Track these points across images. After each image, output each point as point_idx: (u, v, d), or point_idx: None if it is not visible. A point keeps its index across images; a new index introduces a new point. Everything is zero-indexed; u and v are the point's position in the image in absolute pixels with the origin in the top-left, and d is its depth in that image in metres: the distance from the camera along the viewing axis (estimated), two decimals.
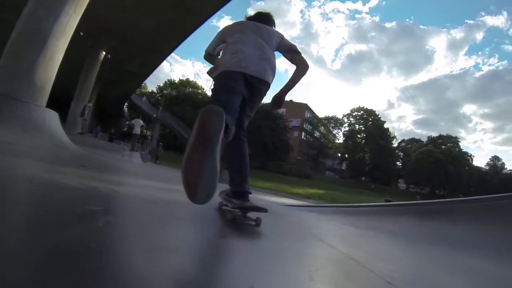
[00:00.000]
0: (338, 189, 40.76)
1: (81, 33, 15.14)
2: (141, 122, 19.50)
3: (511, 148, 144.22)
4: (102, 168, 5.09)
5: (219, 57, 3.04)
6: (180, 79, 74.94)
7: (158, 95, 66.66)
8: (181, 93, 67.21)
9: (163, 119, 50.23)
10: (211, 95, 2.71)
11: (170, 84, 71.11)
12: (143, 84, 60.20)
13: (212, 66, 2.91)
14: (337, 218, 4.60)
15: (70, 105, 21.91)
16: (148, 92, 67.59)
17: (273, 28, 3.15)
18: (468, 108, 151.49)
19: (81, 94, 22.24)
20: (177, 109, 57.73)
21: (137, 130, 18.93)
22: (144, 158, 18.29)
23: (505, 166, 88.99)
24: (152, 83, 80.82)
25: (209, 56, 3.08)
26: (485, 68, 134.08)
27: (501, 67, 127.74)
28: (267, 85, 2.80)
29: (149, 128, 49.05)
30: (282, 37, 3.02)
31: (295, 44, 3.00)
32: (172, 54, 26.21)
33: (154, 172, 8.42)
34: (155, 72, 29.20)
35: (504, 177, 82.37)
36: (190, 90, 71.76)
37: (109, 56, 23.63)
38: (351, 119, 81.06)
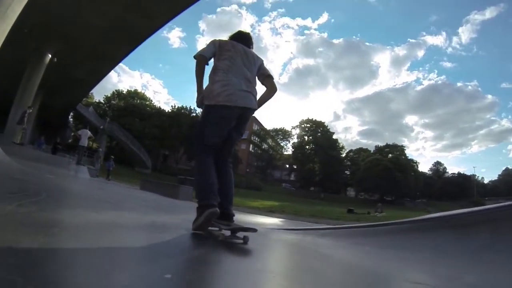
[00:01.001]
0: (291, 200, 40.75)
1: (26, 30, 13.69)
2: (89, 133, 17.85)
3: (450, 154, 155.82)
4: (38, 192, 3.19)
5: (212, 82, 3.16)
6: (128, 90, 72.67)
7: (105, 105, 63.78)
8: (129, 104, 64.86)
9: (110, 131, 48.11)
10: (201, 124, 3.19)
11: (118, 94, 68.38)
12: (90, 94, 57.61)
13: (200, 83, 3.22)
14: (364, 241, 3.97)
15: (10, 112, 19.74)
16: (95, 102, 64.40)
17: (252, 48, 3.49)
18: (410, 119, 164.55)
19: (22, 100, 20.01)
20: (125, 120, 55.65)
21: (84, 142, 17.25)
22: (92, 173, 16.81)
23: (447, 170, 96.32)
24: (99, 94, 77.35)
25: (204, 61, 3.21)
26: (425, 82, 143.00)
27: (439, 82, 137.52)
28: (253, 111, 3.23)
29: (95, 140, 46.53)
30: (262, 62, 3.45)
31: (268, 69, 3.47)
32: (121, 64, 24.98)
33: (111, 193, 6.88)
34: (102, 82, 27.69)
35: (446, 180, 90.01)
36: (138, 101, 69.61)
37: (55, 59, 21.48)
38: (300, 130, 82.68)
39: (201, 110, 3.28)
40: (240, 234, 2.86)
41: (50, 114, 35.67)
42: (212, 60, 3.26)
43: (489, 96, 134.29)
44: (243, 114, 3.14)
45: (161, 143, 60.83)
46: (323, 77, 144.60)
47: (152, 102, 74.64)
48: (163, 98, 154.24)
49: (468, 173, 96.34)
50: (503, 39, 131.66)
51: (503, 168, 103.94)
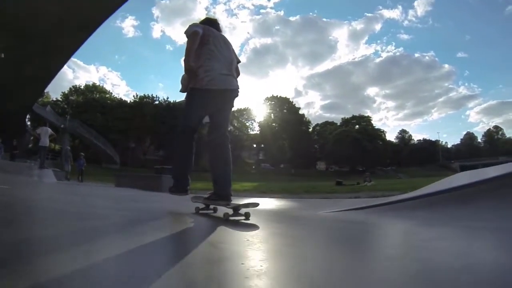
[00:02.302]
0: (265, 179, 40.27)
1: None
2: (50, 131, 15.37)
3: (412, 122, 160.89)
4: None
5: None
6: (86, 84, 69.36)
7: (63, 103, 60.50)
8: (88, 99, 61.93)
9: (72, 129, 45.87)
10: (186, 106, 3.36)
11: (76, 90, 65.05)
12: (45, 93, 54.53)
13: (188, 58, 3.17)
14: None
15: None
16: (52, 101, 60.94)
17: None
18: (372, 90, 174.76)
19: None
20: (86, 116, 53.00)
21: (45, 142, 14.81)
22: (59, 176, 15.28)
23: (412, 138, 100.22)
24: (55, 92, 73.71)
25: (197, 37, 3.23)
26: (384, 55, 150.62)
27: (397, 53, 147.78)
28: (235, 91, 3.44)
29: (57, 140, 43.94)
30: (232, 47, 3.63)
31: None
32: (75, 59, 23.12)
33: (83, 199, 5.12)
34: (57, 79, 25.64)
35: (413, 147, 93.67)
36: (98, 95, 66.52)
37: (2, 55, 19.26)
38: (266, 108, 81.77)
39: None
40: (242, 211, 3.06)
41: (5, 119, 32.92)
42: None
43: (446, 66, 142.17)
44: (227, 94, 3.35)
45: (126, 135, 58.67)
46: (282, 55, 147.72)
47: (112, 95, 71.87)
48: (122, 91, 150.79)
49: (432, 139, 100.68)
50: (457, 11, 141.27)
51: (464, 133, 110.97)
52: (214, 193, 3.24)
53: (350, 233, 2.68)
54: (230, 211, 2.98)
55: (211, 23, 3.58)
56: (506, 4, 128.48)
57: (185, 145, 3.33)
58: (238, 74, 3.63)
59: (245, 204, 3.15)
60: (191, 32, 3.21)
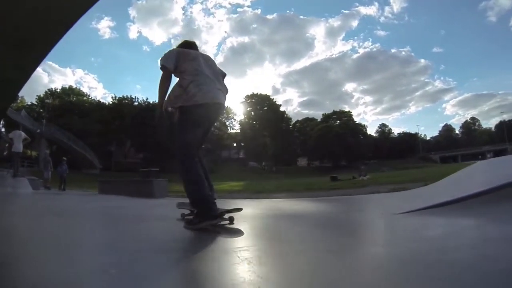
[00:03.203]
0: (250, 178, 39.79)
1: None
2: (23, 135, 14.10)
3: (390, 116, 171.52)
4: None
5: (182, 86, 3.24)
6: (62, 87, 67.29)
7: (38, 107, 58.45)
8: (65, 102, 59.98)
9: (49, 134, 44.13)
10: (182, 127, 3.16)
11: (52, 93, 62.78)
12: (20, 97, 52.61)
13: (166, 89, 3.26)
14: None
15: None
16: (27, 105, 58.50)
17: None
18: (349, 86, 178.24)
19: None
20: (64, 120, 50.82)
21: (18, 147, 13.53)
22: (35, 185, 13.87)
23: (392, 131, 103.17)
24: (30, 97, 71.24)
25: (168, 72, 3.25)
26: (361, 51, 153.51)
27: (374, 49, 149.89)
28: (224, 107, 3.52)
29: (32, 146, 42.15)
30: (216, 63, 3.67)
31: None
32: (49, 62, 21.68)
33: (71, 217, 4.52)
34: (32, 83, 24.20)
35: (393, 140, 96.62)
36: (75, 98, 64.61)
37: None
38: (246, 106, 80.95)
39: (168, 114, 3.36)
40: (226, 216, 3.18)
41: None
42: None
43: (422, 60, 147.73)
44: (217, 109, 3.34)
45: (106, 138, 57.03)
46: (259, 53, 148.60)
47: (90, 97, 69.99)
48: (100, 93, 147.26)
49: (411, 132, 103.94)
50: (432, 7, 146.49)
51: (442, 125, 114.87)
52: None
53: None
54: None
55: (190, 46, 3.61)
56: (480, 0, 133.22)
57: (196, 166, 3.07)
58: (226, 91, 3.59)
59: (229, 210, 3.16)
60: (166, 71, 3.23)
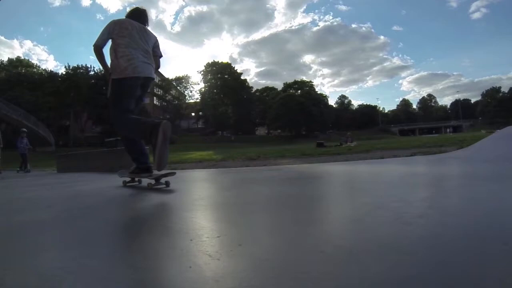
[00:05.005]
0: (214, 147, 38.89)
1: None
2: None
3: (348, 89, 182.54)
4: None
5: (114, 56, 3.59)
6: (9, 58, 62.86)
7: None
8: (14, 74, 56.04)
9: None
10: (114, 97, 3.57)
11: None
12: None
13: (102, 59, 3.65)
14: None
15: None
16: None
17: (148, 25, 3.96)
18: (308, 58, 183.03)
19: None
20: (12, 94, 46.82)
21: None
22: None
23: (352, 103, 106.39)
24: None
25: (100, 49, 3.62)
26: (321, 24, 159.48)
27: (335, 23, 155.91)
28: (152, 79, 3.83)
29: None
30: (156, 40, 3.99)
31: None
32: None
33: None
34: None
35: (353, 112, 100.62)
36: (24, 70, 60.59)
37: None
38: (205, 74, 79.58)
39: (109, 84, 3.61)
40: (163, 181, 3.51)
41: None
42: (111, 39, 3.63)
43: (382, 37, 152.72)
44: (145, 82, 3.69)
45: (60, 112, 54.15)
46: (217, 23, 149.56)
47: (40, 68, 65.73)
48: (51, 66, 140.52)
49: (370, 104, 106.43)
50: None
51: (398, 100, 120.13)
52: (136, 167, 3.73)
53: None
54: (153, 181, 3.50)
55: (137, 15, 3.91)
56: None
57: (127, 123, 3.50)
58: (158, 67, 4.03)
59: (164, 174, 3.49)
60: (94, 47, 3.59)
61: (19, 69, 60.22)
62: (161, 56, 4.06)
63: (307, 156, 10.75)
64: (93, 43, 3.55)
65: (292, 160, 9.57)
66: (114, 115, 3.56)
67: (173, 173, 3.71)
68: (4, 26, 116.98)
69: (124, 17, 3.89)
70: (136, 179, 3.92)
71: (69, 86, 54.23)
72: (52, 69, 67.85)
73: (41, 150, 41.07)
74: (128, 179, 3.92)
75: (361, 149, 12.37)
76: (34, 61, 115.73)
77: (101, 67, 3.79)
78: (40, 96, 50.77)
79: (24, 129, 16.07)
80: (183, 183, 4.13)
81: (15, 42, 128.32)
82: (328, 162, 7.23)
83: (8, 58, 64.02)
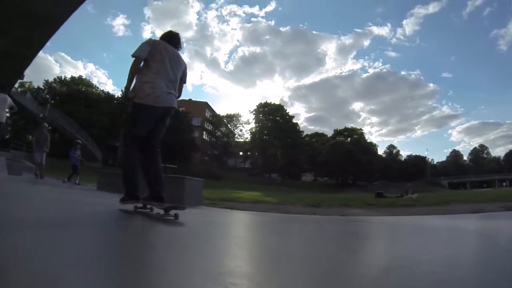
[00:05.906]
0: (261, 189, 37.06)
1: None
2: (9, 101, 9.31)
3: (396, 138, 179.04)
4: None
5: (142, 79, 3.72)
6: (72, 76, 65.11)
7: (45, 92, 56.15)
8: (74, 90, 57.37)
9: (52, 119, 40.76)
10: (131, 119, 3.79)
11: (61, 81, 60.50)
12: (27, 82, 50.48)
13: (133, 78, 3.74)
14: None
15: None
16: (33, 89, 56.27)
17: (181, 48, 4.09)
18: (357, 105, 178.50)
19: None
20: (69, 108, 47.96)
21: (0, 115, 8.81)
22: (16, 168, 11.33)
23: (400, 153, 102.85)
24: (38, 83, 69.07)
25: (140, 61, 3.69)
26: (371, 71, 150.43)
27: (384, 70, 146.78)
28: (174, 109, 3.92)
29: (34, 131, 38.78)
30: (185, 67, 4.07)
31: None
32: (62, 53, 18.95)
33: None
34: (42, 73, 21.48)
35: (402, 162, 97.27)
36: (84, 88, 62.29)
37: None
38: (257, 115, 78.76)
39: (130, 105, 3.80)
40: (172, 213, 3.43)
41: None
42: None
43: (431, 85, 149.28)
44: (166, 111, 3.84)
45: (111, 132, 54.62)
46: (270, 64, 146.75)
47: (99, 89, 67.62)
48: (109, 89, 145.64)
49: (418, 155, 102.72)
50: (443, 32, 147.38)
51: (447, 151, 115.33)
52: (149, 194, 3.71)
53: None
54: (162, 212, 3.51)
55: (170, 38, 4.02)
56: (491, 28, 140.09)
57: (132, 155, 3.80)
58: (179, 94, 4.07)
59: (173, 205, 3.50)
60: (134, 56, 3.65)
61: (80, 86, 61.96)
62: (184, 82, 4.12)
63: (372, 205, 10.27)
64: (132, 53, 3.62)
65: (362, 210, 8.96)
66: (126, 143, 3.99)
67: (183, 207, 3.61)
68: (71, 48, 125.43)
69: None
70: (148, 206, 3.86)
71: (122, 109, 54.73)
72: (109, 91, 69.69)
73: (88, 164, 40.70)
74: (140, 204, 3.86)
75: (429, 201, 11.54)
76: (94, 82, 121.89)
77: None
78: (94, 114, 51.83)
79: (79, 141, 15.72)
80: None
81: (80, 64, 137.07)
82: (418, 215, 6.95)
83: (71, 75, 66.40)
